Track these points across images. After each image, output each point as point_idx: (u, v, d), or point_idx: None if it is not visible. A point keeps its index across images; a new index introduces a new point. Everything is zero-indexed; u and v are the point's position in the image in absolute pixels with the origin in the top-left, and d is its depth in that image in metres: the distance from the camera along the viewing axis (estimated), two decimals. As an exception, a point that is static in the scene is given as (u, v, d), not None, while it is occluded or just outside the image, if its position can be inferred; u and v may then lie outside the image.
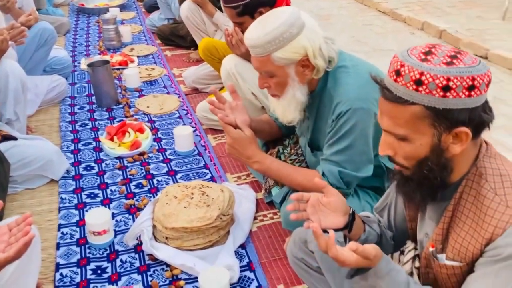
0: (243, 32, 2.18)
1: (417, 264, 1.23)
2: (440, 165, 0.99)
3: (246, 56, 2.27)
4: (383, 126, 1.02)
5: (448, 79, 0.89)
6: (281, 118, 1.66)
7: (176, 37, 3.89)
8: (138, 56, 3.64)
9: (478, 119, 0.93)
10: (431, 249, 1.11)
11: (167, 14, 4.11)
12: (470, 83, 0.89)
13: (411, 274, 1.25)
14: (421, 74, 0.90)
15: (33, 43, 2.86)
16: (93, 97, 2.94)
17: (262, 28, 1.47)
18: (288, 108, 1.57)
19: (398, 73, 0.94)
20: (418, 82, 0.91)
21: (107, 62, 2.83)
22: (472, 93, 0.90)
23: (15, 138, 2.14)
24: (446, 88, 0.90)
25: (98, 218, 1.75)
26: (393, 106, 0.97)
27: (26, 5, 3.32)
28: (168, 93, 3.08)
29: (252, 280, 1.64)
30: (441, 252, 1.09)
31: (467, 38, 3.92)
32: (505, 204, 0.95)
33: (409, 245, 1.28)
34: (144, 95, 3.03)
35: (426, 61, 0.92)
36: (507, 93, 3.17)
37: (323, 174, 1.59)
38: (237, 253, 1.72)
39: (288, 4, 2.14)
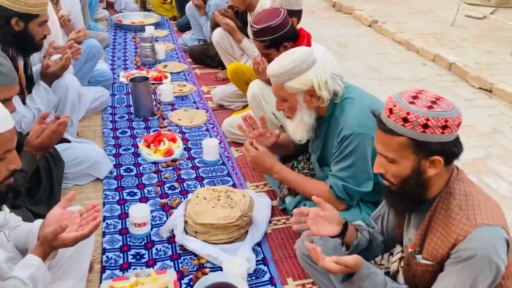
0: (269, 62, 2.52)
1: (402, 264, 1.53)
2: (419, 183, 1.30)
3: (269, 82, 2.61)
4: (378, 150, 1.34)
5: (427, 119, 1.20)
6: (291, 136, 1.99)
7: (205, 57, 4.27)
8: (171, 73, 4.02)
9: (450, 151, 1.24)
10: (410, 250, 1.42)
11: (198, 35, 4.50)
12: (444, 123, 1.20)
13: (397, 271, 1.56)
14: (408, 113, 1.21)
15: (82, 57, 3.24)
16: (132, 108, 3.31)
17: (279, 62, 1.83)
18: (296, 128, 1.91)
19: (391, 111, 1.25)
20: (405, 120, 1.22)
21: (147, 78, 3.21)
22: (445, 131, 1.20)
23: (69, 141, 2.50)
24: (425, 126, 1.20)
25: (140, 212, 2.10)
26: (385, 136, 1.28)
27: (76, 22, 3.75)
28: (197, 108, 3.43)
29: (266, 272, 1.95)
30: (418, 253, 1.39)
31: (474, 72, 4.20)
32: (467, 218, 1.25)
33: (398, 248, 1.59)
34: (176, 109, 3.39)
35: (413, 103, 1.22)
36: (506, 126, 3.44)
37: (330, 187, 1.91)
38: (254, 249, 2.04)
39: (309, 40, 2.48)
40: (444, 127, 1.20)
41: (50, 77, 2.50)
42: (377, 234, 1.66)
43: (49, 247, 1.39)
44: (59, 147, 2.37)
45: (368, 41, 5.43)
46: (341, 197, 1.90)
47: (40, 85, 2.46)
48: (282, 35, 2.34)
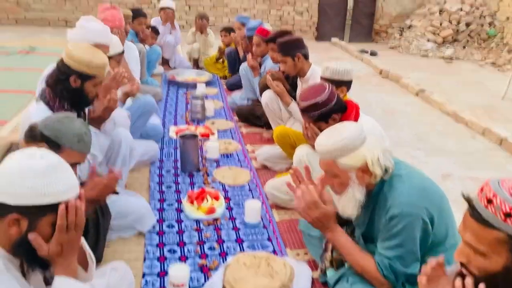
0: (319, 130, 2.56)
1: None
2: (506, 281, 1.17)
3: None
4: (465, 239, 1.22)
5: None
6: (340, 212, 1.95)
7: (252, 117, 4.39)
8: (218, 130, 4.14)
9: None
10: None
11: (249, 95, 4.65)
12: None
13: None
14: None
15: (137, 112, 3.43)
16: (178, 163, 3.40)
17: (330, 138, 1.82)
18: (347, 205, 1.87)
19: (489, 201, 1.13)
20: (508, 215, 1.10)
21: (195, 136, 3.32)
22: None
23: (117, 193, 2.58)
24: None
25: (179, 272, 2.09)
26: (479, 226, 1.16)
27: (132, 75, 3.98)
28: (241, 166, 3.48)
29: None
30: None
31: (528, 149, 4.06)
32: None
33: None
34: (221, 166, 3.45)
35: None
36: None
37: (377, 264, 1.85)
38: (291, 323, 1.97)
39: (357, 111, 2.50)
40: None
41: (97, 121, 2.54)
42: None
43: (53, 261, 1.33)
44: (108, 199, 2.46)
45: (415, 110, 5.41)
46: (388, 276, 1.83)
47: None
48: (329, 108, 2.37)
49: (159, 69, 6.01)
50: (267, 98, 3.70)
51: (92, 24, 2.87)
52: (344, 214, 1.92)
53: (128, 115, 3.03)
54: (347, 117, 2.43)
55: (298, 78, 3.57)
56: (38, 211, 1.25)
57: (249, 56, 4.57)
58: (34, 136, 1.76)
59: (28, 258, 1.31)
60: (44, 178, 1.24)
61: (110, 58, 3.15)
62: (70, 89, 2.30)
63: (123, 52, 3.36)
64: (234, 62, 5.57)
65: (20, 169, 1.24)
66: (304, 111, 2.39)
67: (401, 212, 1.76)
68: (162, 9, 6.03)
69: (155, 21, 6.09)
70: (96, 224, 2.30)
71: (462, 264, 1.26)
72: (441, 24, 9.60)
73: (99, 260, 2.21)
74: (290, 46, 3.36)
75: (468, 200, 1.22)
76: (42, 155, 1.31)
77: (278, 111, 3.72)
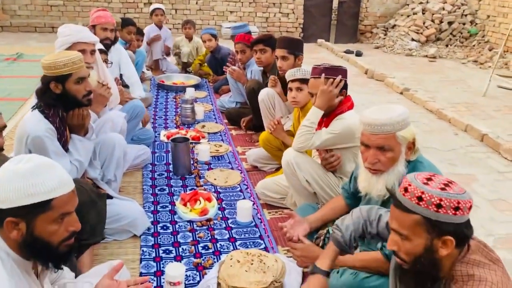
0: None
1: None
2: (430, 263, 1.36)
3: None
4: (392, 227, 1.42)
5: (440, 200, 1.30)
6: (378, 192, 1.97)
7: (241, 119, 4.47)
8: (208, 133, 4.22)
9: (461, 232, 1.32)
10: None
11: (237, 98, 4.74)
12: (456, 205, 1.29)
13: None
14: (422, 192, 1.32)
15: (127, 116, 3.48)
16: (170, 166, 3.48)
17: (390, 112, 1.90)
18: (390, 179, 1.92)
19: (406, 189, 1.36)
20: (419, 198, 1.31)
21: (187, 139, 3.40)
22: (457, 212, 1.30)
23: (111, 197, 2.65)
24: (438, 206, 1.30)
25: (175, 271, 2.17)
26: (400, 213, 1.37)
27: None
28: (232, 168, 3.57)
29: None
30: None
31: (507, 144, 4.20)
32: None
33: None
34: (212, 168, 3.54)
35: (427, 184, 1.34)
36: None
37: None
38: (284, 316, 2.06)
39: (352, 102, 2.71)
40: (456, 208, 1.29)
41: (75, 129, 2.50)
42: None
43: None
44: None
45: (399, 109, 5.54)
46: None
47: (73, 138, 2.50)
48: (345, 82, 2.60)
49: (148, 73, 6.06)
50: (265, 95, 3.76)
51: (66, 28, 2.93)
52: (377, 192, 1.96)
53: (124, 116, 3.10)
54: (346, 102, 2.70)
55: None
56: (31, 211, 1.30)
57: (231, 69, 4.57)
58: None
59: (38, 257, 1.38)
60: (28, 180, 1.30)
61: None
62: (55, 96, 2.34)
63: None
64: (216, 67, 5.69)
65: (7, 175, 1.31)
66: (329, 71, 2.57)
67: None
68: (153, 11, 6.07)
69: (149, 29, 6.13)
70: (95, 206, 2.30)
71: (394, 253, 1.43)
72: (424, 24, 9.79)
73: (102, 238, 2.39)
74: (296, 46, 3.50)
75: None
76: (29, 158, 1.36)
77: (271, 109, 3.77)
